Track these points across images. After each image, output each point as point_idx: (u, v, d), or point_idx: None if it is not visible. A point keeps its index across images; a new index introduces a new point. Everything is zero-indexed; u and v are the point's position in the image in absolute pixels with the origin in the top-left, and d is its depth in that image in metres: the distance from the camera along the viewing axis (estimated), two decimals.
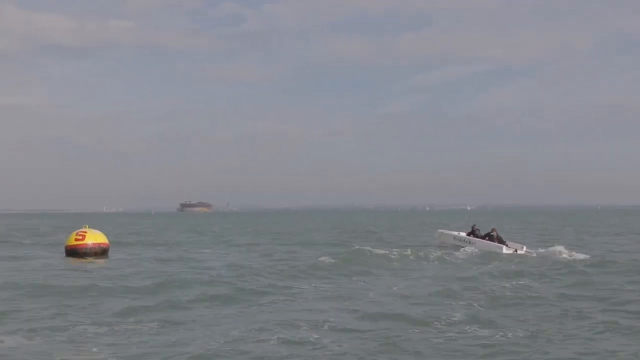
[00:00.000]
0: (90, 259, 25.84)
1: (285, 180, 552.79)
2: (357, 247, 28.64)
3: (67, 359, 9.82)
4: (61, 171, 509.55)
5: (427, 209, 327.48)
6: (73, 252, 26.61)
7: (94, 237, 27.26)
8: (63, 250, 27.65)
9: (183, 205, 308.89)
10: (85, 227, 28.10)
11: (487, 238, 29.22)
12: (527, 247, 28.67)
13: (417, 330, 11.55)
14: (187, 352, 9.94)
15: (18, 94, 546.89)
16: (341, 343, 10.52)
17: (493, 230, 29.66)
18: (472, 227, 31.03)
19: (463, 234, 31.13)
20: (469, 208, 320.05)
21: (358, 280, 19.25)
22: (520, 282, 18.18)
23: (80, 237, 26.99)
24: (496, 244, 28.39)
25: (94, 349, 10.24)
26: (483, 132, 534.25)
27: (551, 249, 28.01)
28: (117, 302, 14.71)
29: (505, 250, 27.64)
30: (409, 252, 26.65)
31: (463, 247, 28.98)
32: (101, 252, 26.97)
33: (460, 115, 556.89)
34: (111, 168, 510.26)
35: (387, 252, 26.71)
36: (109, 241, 28.56)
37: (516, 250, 27.76)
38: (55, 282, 17.89)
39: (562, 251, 26.61)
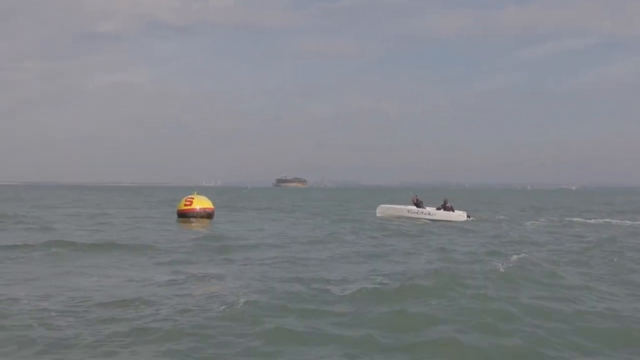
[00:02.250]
0: (197, 221, 28.05)
1: (380, 157, 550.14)
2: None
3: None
4: (164, 147, 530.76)
5: (529, 188, 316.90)
6: (183, 215, 29.14)
7: (200, 203, 29.54)
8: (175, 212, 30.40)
9: (279, 181, 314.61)
10: (194, 193, 30.42)
11: (442, 208, 32.09)
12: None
13: None
14: None
15: (125, 72, 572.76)
16: None
17: (445, 200, 32.40)
18: (444, 201, 32.51)
19: (413, 207, 32.74)
20: (574, 188, 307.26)
21: None
22: None
23: (189, 203, 29.44)
24: (451, 212, 31.65)
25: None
26: (589, 108, 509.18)
27: None
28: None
29: (459, 216, 31.40)
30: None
31: (421, 218, 31.48)
32: (207, 215, 29.21)
33: (565, 90, 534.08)
34: (210, 144, 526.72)
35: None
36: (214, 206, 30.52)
37: (469, 217, 31.65)
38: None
39: None
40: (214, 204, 30.25)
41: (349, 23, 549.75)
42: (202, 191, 34.91)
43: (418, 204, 32.42)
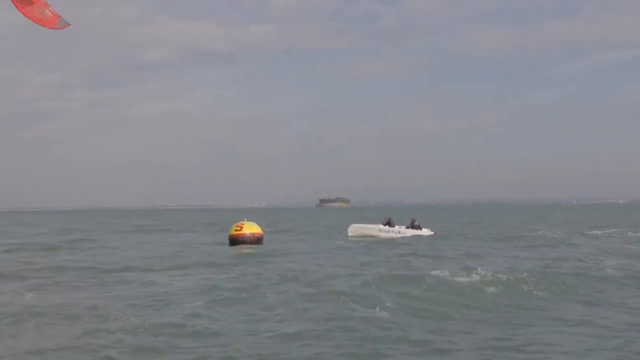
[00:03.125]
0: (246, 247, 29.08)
1: (423, 175, 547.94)
2: None
3: None
4: (210, 170, 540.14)
5: (575, 202, 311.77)
6: (234, 240, 30.50)
7: (250, 228, 31.03)
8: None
9: (322, 201, 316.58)
10: (245, 219, 31.87)
11: (410, 227, 35.64)
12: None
13: None
14: None
15: (172, 100, 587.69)
16: None
17: (413, 220, 36.39)
18: (412, 220, 36.55)
19: (384, 227, 35.68)
20: (621, 202, 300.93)
21: None
22: None
23: (239, 228, 30.95)
24: (418, 231, 35.19)
25: None
26: (635, 122, 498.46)
27: None
28: None
29: (426, 232, 35.28)
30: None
31: (391, 236, 34.11)
32: (256, 240, 30.56)
33: (610, 104, 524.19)
34: (255, 166, 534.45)
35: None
36: (263, 231, 31.98)
37: (434, 233, 35.43)
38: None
39: None
40: (262, 229, 31.62)
41: (389, 43, 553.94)
42: (247, 213, 36.22)
43: (389, 223, 35.54)
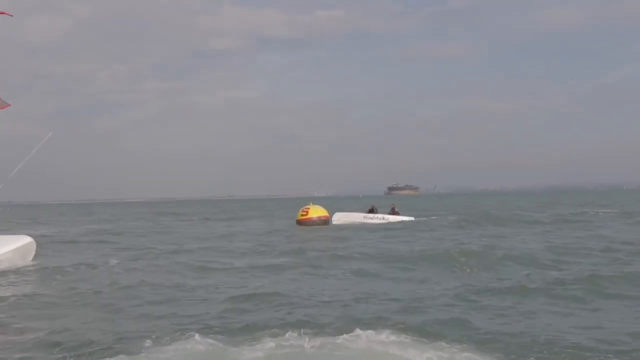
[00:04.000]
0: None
1: (495, 160, 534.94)
2: None
3: None
4: (277, 159, 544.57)
5: None
6: (300, 223, 33.10)
7: (316, 212, 33.66)
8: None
9: (390, 189, 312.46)
10: (309, 204, 34.77)
11: (391, 213, 37.56)
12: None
13: None
14: None
15: (241, 88, 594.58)
16: None
17: (393, 206, 38.70)
18: (392, 205, 38.89)
19: (369, 214, 37.23)
20: None
21: None
22: None
23: (305, 213, 33.52)
24: (399, 216, 36.90)
25: None
26: None
27: None
28: None
29: (407, 218, 36.99)
30: None
31: (376, 222, 35.11)
32: (322, 222, 33.16)
33: None
34: (322, 154, 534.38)
35: None
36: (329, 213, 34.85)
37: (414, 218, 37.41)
38: None
39: None
40: (328, 212, 34.38)
41: (457, 24, 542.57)
42: (314, 202, 36.93)
43: (373, 210, 37.62)
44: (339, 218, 37.28)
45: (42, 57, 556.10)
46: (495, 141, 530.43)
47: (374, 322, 8.70)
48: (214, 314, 9.87)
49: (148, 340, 7.92)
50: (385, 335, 7.78)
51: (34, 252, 16.28)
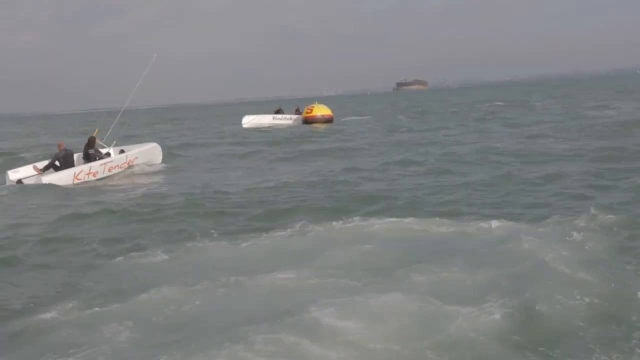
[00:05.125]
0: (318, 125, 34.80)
1: (505, 48, 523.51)
2: None
3: None
4: (283, 59, 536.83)
5: None
6: (306, 121, 36.29)
7: (320, 110, 36.72)
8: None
9: (399, 85, 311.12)
10: (315, 103, 38.03)
11: (297, 113, 38.77)
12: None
13: None
14: None
15: None
16: None
17: (297, 107, 39.59)
18: (296, 109, 39.65)
19: (278, 115, 38.99)
20: None
21: None
22: None
23: (309, 111, 36.74)
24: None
25: None
26: None
27: None
28: None
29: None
30: None
31: (283, 123, 37.35)
32: (326, 121, 36.03)
33: None
34: (329, 51, 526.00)
35: None
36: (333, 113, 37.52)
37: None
38: None
39: None
40: (332, 111, 37.23)
41: None
42: (322, 100, 40.68)
43: (280, 111, 39.15)
44: (249, 121, 38.20)
45: None
46: (504, 28, 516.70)
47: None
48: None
49: None
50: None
51: (161, 155, 18.24)
